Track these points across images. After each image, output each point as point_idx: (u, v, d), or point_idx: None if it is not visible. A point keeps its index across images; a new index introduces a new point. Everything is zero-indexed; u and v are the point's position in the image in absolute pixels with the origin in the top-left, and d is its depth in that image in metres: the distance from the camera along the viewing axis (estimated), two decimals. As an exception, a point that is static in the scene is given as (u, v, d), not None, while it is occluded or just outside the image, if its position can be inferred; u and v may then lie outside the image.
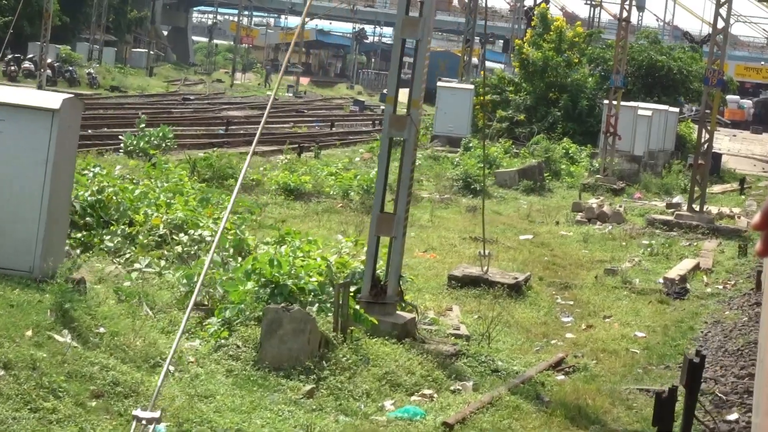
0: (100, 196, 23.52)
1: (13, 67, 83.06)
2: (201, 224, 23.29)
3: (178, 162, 38.29)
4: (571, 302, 26.97)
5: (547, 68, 65.64)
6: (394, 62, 19.36)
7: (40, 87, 73.57)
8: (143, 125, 41.86)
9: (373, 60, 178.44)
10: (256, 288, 18.13)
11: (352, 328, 18.12)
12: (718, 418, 17.93)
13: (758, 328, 23.17)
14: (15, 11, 74.47)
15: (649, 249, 34.09)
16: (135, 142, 40.21)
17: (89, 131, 50.20)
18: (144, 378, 15.29)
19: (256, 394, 16.14)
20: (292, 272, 18.24)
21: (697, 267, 31.59)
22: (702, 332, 24.26)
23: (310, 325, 17.00)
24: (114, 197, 23.68)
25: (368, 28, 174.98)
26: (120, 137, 42.92)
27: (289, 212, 35.45)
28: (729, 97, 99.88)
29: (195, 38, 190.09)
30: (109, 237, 22.47)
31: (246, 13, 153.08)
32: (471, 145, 55.35)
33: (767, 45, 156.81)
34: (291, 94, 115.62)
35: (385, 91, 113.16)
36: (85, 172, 26.37)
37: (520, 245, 34.27)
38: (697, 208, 39.95)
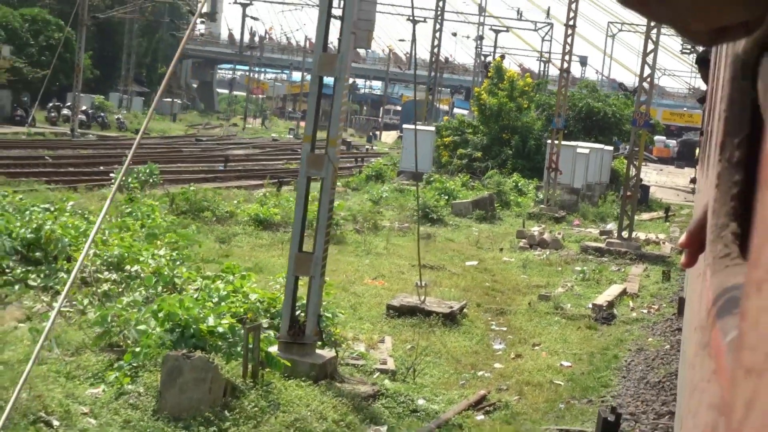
0: (38, 234, 19.63)
1: (53, 114, 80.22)
2: (141, 259, 19.28)
3: (160, 196, 34.60)
4: (505, 328, 23.30)
5: (501, 112, 63.09)
6: (311, 101, 15.60)
7: (72, 131, 70.49)
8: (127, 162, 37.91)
9: (364, 107, 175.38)
10: (163, 332, 14.23)
11: (264, 371, 14.30)
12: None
13: (679, 358, 19.52)
14: (51, 65, 71.29)
15: (581, 274, 30.40)
16: (123, 178, 36.43)
17: (101, 168, 47.12)
18: (10, 441, 11.38)
19: (149, 449, 12.32)
20: (201, 315, 14.28)
21: (624, 292, 27.96)
22: (626, 361, 20.46)
23: (211, 374, 13.14)
24: (52, 234, 19.69)
25: (360, 82, 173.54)
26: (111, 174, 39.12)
27: (256, 241, 31.69)
28: (657, 137, 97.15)
29: (219, 90, 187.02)
30: (34, 275, 18.58)
31: (257, 69, 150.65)
32: (432, 179, 52.14)
33: (689, 95, 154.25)
34: (291, 136, 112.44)
35: (372, 132, 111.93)
36: (33, 208, 22.39)
37: (465, 271, 30.59)
38: (627, 236, 36.30)
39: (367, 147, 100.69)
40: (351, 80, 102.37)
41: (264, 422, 13.35)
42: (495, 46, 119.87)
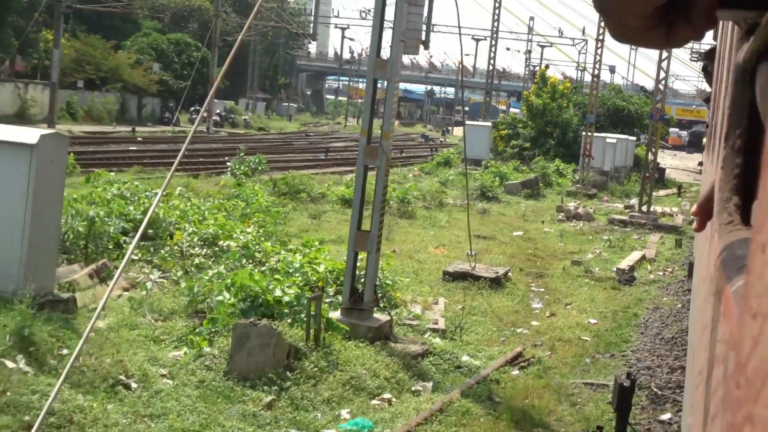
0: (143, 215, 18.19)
1: (194, 116, 79.45)
2: (234, 236, 17.70)
3: (265, 180, 33.12)
4: (543, 289, 21.50)
5: (545, 111, 60.91)
6: (367, 100, 13.95)
7: (207, 129, 69.53)
8: (242, 154, 36.49)
9: (440, 108, 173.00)
10: (236, 301, 12.65)
11: (326, 335, 12.72)
12: (652, 417, 12.39)
13: (688, 317, 17.69)
14: (190, 78, 70.62)
15: (608, 242, 28.49)
16: (237, 167, 34.98)
17: (225, 158, 45.82)
18: (88, 404, 9.84)
19: (217, 406, 10.75)
20: (270, 287, 12.67)
21: (643, 257, 26.00)
22: (644, 318, 18.59)
23: (275, 339, 11.57)
24: (156, 215, 18.16)
25: (437, 89, 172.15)
26: (228, 163, 37.68)
27: (342, 217, 29.98)
28: (671, 129, 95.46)
29: (328, 96, 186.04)
30: (143, 251, 17.07)
31: (355, 79, 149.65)
32: (489, 165, 50.31)
33: (696, 95, 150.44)
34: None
35: (445, 128, 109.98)
36: (146, 193, 20.87)
37: (512, 240, 28.79)
38: (646, 210, 34.27)
39: (441, 139, 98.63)
40: (429, 87, 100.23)
41: (322, 381, 11.75)
42: (541, 58, 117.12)
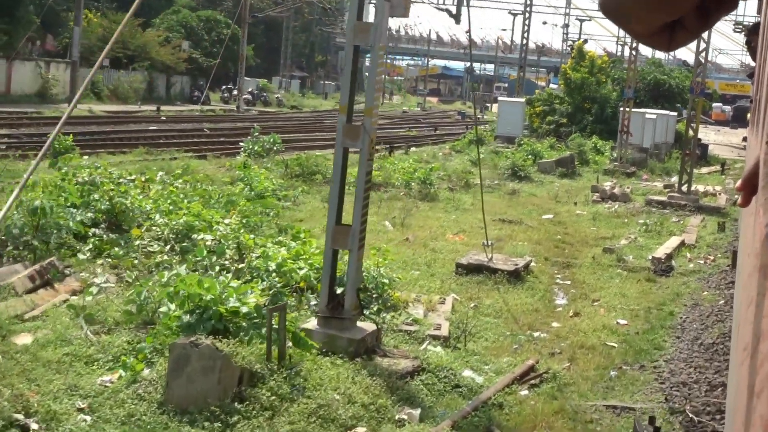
0: (110, 204, 15.91)
1: (226, 95, 77.87)
2: (214, 227, 15.41)
3: (278, 161, 30.91)
4: (569, 282, 19.19)
5: (583, 86, 58.38)
6: (347, 70, 11.71)
7: (237, 107, 67.67)
8: (257, 134, 34.22)
9: (481, 85, 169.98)
10: (183, 313, 10.40)
11: (293, 351, 10.49)
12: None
13: (731, 316, 15.32)
14: (219, 55, 68.64)
15: (644, 227, 26.03)
16: (250, 147, 32.74)
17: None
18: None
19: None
20: (224, 295, 10.41)
21: (682, 243, 23.59)
22: (680, 318, 16.19)
23: (221, 362, 9.35)
24: (121, 205, 15.87)
25: (476, 65, 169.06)
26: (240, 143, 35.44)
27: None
28: (714, 104, 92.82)
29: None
30: (109, 246, 14.82)
31: (393, 56, 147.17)
32: (522, 142, 47.84)
33: (740, 69, 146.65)
34: (419, 109, 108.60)
35: (483, 104, 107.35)
36: (121, 180, 18.54)
37: (540, 224, 26.44)
38: (686, 190, 31.74)
39: (478, 116, 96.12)
40: (468, 64, 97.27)
41: (281, 412, 9.51)
42: (580, 33, 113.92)
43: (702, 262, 21.87)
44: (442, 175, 34.26)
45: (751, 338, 1.81)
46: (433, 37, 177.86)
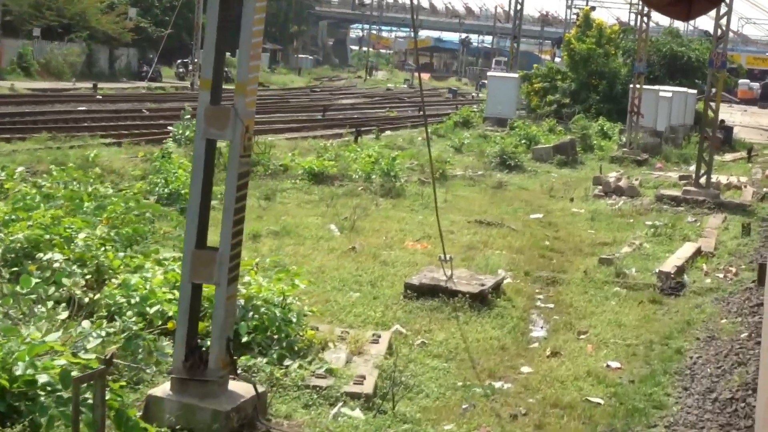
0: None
1: (181, 70, 75.15)
2: (74, 242, 12.81)
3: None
4: (552, 305, 16.81)
5: (590, 58, 56.14)
6: (211, 25, 9.29)
7: (192, 84, 65.28)
8: (188, 116, 31.66)
9: (479, 60, 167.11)
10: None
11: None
12: None
13: (758, 357, 12.93)
14: (174, 25, 66.31)
15: (653, 229, 23.58)
16: (180, 132, 30.19)
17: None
18: None
19: None
20: (11, 359, 7.90)
21: (698, 251, 21.18)
22: (690, 359, 13.70)
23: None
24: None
25: (474, 37, 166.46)
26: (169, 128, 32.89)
27: (305, 197, 25.43)
28: (741, 81, 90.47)
29: (353, 47, 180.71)
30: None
31: (381, 27, 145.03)
32: (515, 125, 45.33)
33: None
34: (406, 86, 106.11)
35: (480, 81, 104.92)
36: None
37: (526, 226, 24.07)
38: (705, 183, 29.27)
39: (473, 94, 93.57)
40: (465, 35, 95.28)
41: None
42: (587, 0, 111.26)
43: (721, 276, 19.45)
44: (414, 164, 31.81)
45: None
46: (425, 4, 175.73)
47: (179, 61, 75.36)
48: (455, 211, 25.21)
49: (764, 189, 33.19)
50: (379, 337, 12.97)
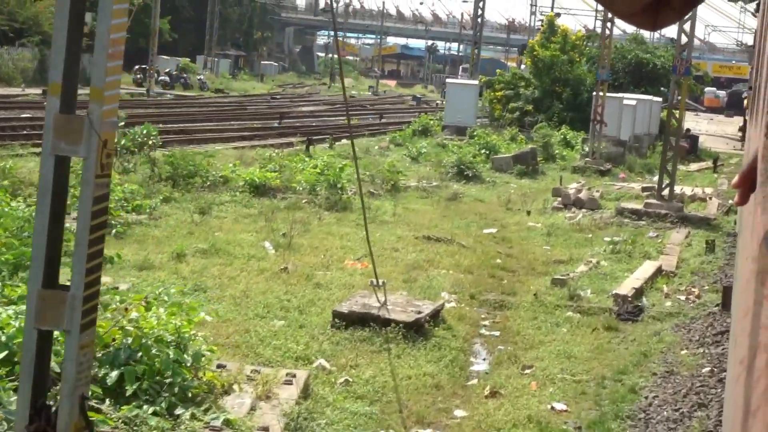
0: None
1: (139, 76, 73.47)
2: None
3: (143, 161, 26.80)
4: (497, 333, 15.33)
5: (554, 65, 54.68)
6: (60, 17, 7.68)
7: (147, 91, 63.66)
8: (122, 123, 29.93)
9: (446, 67, 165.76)
10: None
11: None
12: None
13: (721, 398, 11.49)
14: (130, 30, 64.48)
15: (611, 246, 22.13)
16: (117, 140, 28.50)
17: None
18: None
19: None
20: None
21: (659, 270, 19.75)
22: (645, 398, 12.21)
23: None
24: None
25: (441, 44, 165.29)
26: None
27: (244, 211, 23.82)
28: (707, 89, 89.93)
29: (320, 54, 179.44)
30: None
31: (349, 34, 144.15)
32: (474, 133, 43.82)
33: (737, 50, 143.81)
34: (370, 93, 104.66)
35: (444, 88, 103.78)
36: None
37: (478, 242, 22.66)
38: (668, 196, 27.81)
39: (438, 102, 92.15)
40: (431, 42, 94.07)
41: None
42: (553, 5, 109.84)
43: (683, 298, 18.03)
44: (365, 175, 30.29)
45: (747, 351, 1.78)
46: (392, 11, 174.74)
47: (137, 66, 73.80)
48: (403, 226, 23.73)
49: (729, 201, 31.86)
50: (294, 376, 11.40)
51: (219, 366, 11.11)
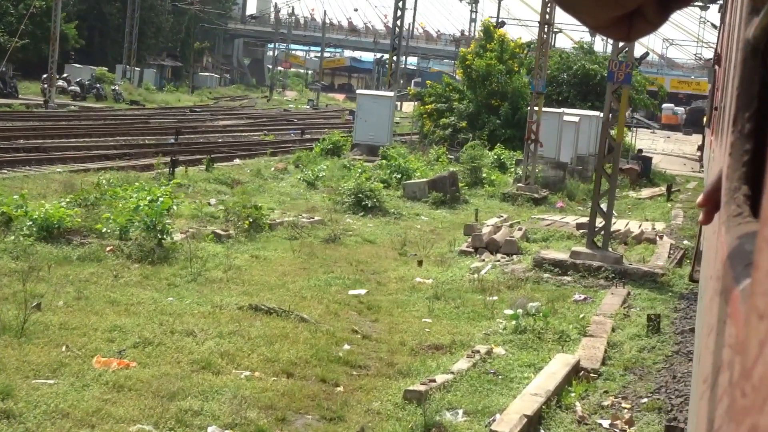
0: None
1: (46, 86, 66.42)
2: None
3: None
4: None
5: (490, 76, 47.72)
6: None
7: (45, 102, 56.82)
8: None
9: (401, 81, 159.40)
10: None
11: None
12: None
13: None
14: (33, 36, 58.04)
15: (514, 323, 15.33)
16: None
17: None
18: None
19: None
20: None
21: (576, 369, 13.02)
22: None
23: None
24: None
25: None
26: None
27: (10, 266, 16.83)
28: (665, 105, 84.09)
29: (270, 66, 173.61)
30: None
31: (293, 46, 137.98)
32: (388, 153, 36.83)
33: (696, 66, 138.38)
34: (309, 107, 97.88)
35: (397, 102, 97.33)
36: None
37: (331, 313, 16.00)
38: (601, 242, 21.01)
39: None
40: (380, 55, 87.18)
41: None
42: (498, 12, 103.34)
43: (605, 426, 11.29)
44: (215, 211, 23.49)
45: (710, 369, 1.75)
46: (344, 23, 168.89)
47: (44, 75, 66.94)
48: (234, 287, 16.94)
49: (685, 241, 25.31)
50: None
51: None
